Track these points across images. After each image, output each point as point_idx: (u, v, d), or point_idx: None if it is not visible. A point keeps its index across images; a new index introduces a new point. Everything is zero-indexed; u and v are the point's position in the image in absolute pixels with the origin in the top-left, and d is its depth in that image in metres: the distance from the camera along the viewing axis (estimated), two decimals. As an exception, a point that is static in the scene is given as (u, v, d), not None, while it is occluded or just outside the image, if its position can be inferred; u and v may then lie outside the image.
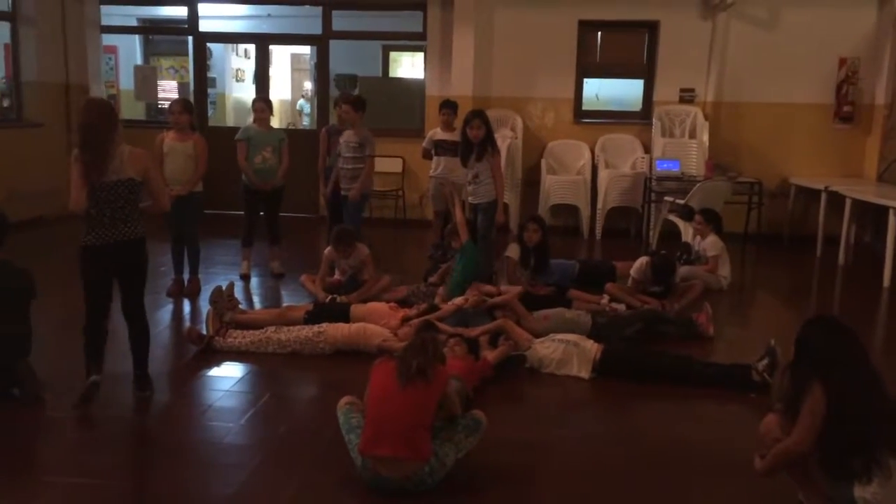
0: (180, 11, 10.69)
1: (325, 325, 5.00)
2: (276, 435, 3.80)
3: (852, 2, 9.20)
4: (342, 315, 5.27)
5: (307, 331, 4.96)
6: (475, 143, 6.29)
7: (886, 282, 7.10)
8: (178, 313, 5.96)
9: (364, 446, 3.15)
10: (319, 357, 4.88)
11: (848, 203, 7.88)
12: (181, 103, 6.32)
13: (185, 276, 6.41)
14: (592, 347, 4.68)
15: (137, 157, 4.10)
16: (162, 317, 5.84)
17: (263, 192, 6.82)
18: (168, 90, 12.70)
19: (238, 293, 5.98)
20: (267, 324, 5.16)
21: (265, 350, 4.90)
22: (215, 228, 8.26)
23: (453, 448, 3.25)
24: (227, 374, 4.64)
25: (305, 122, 14.27)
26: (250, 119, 7.32)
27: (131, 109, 12.28)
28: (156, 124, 10.58)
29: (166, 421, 4.06)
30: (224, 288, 5.38)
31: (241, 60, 13.86)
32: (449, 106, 7.36)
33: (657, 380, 4.55)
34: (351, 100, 6.96)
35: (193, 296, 6.26)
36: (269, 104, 7.11)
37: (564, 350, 4.65)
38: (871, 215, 8.48)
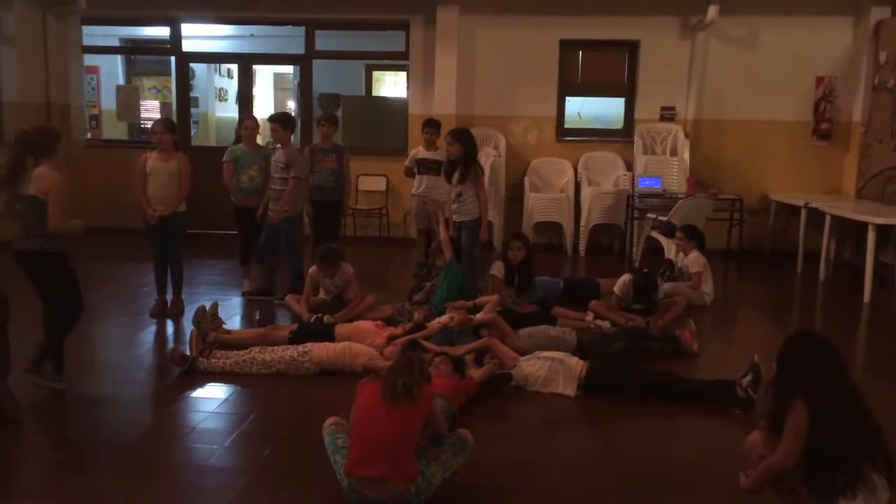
0: (163, 31, 10.69)
1: (309, 345, 4.98)
2: (261, 456, 3.77)
3: (828, 21, 9.36)
4: (327, 335, 5.25)
5: (292, 351, 4.94)
6: (457, 161, 6.33)
7: (867, 297, 7.18)
8: (161, 334, 5.91)
9: (350, 467, 3.13)
10: (304, 377, 4.85)
11: (827, 219, 7.97)
12: (163, 123, 6.32)
13: (169, 297, 6.36)
14: (577, 365, 4.69)
15: (42, 176, 4.36)
16: (145, 338, 5.79)
17: (249, 211, 6.83)
18: (150, 110, 12.67)
19: (238, 310, 5.97)
20: (251, 344, 5.13)
21: (249, 371, 4.86)
22: (199, 248, 8.23)
23: (440, 468, 3.23)
24: (212, 396, 4.60)
25: None
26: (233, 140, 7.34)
27: (113, 129, 12.24)
28: (138, 144, 10.55)
29: (150, 443, 4.01)
30: (207, 308, 5.35)
31: (224, 80, 13.85)
32: (432, 125, 7.39)
33: (642, 396, 4.56)
34: (278, 118, 6.82)
35: (177, 316, 6.21)
36: (258, 123, 7.14)
37: (550, 368, 4.66)
38: (851, 231, 8.58)
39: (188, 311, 6.27)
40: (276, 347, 5.03)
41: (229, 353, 4.99)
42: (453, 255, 6.31)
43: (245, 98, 11.12)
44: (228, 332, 5.43)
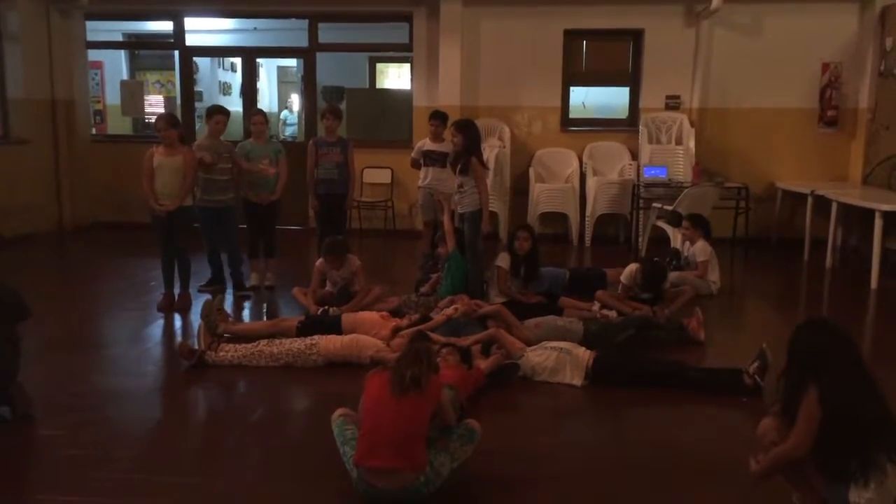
0: (166, 26, 10.69)
1: (317, 338, 4.99)
2: (270, 449, 3.79)
3: (834, 8, 9.31)
4: (334, 327, 5.27)
5: (300, 343, 4.95)
6: (460, 152, 6.34)
7: (874, 284, 7.16)
8: (168, 328, 5.93)
9: (359, 458, 3.15)
10: (312, 370, 4.87)
11: (834, 206, 7.95)
12: (166, 119, 6.33)
13: (176, 291, 6.38)
14: (585, 354, 4.70)
15: None
16: (152, 332, 5.82)
17: (260, 205, 6.88)
18: (154, 105, 12.68)
19: (247, 303, 5.98)
20: (259, 335, 5.15)
21: (258, 363, 4.88)
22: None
23: (448, 458, 3.25)
24: (220, 389, 4.62)
25: (288, 131, 14.22)
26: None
27: (118, 125, 12.26)
28: (143, 139, 10.57)
29: (158, 437, 4.03)
30: (214, 301, 5.37)
31: (228, 74, 13.85)
32: (438, 117, 7.38)
33: (649, 385, 4.56)
34: (225, 110, 7.01)
35: (184, 310, 6.23)
36: (266, 117, 7.17)
37: (557, 358, 4.66)
38: (857, 218, 8.55)
39: (195, 305, 6.29)
40: (283, 340, 5.04)
41: (237, 346, 5.01)
42: (456, 245, 6.31)
43: (249, 92, 11.13)
44: (236, 323, 5.45)
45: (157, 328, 5.90)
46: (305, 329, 5.19)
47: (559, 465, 3.66)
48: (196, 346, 5.00)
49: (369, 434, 3.16)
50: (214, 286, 6.78)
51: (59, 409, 4.21)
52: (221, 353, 4.93)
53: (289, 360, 4.88)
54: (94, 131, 11.14)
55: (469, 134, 6.33)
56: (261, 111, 7.35)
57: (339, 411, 3.51)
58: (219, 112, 6.88)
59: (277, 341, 5.03)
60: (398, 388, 3.14)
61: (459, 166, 6.35)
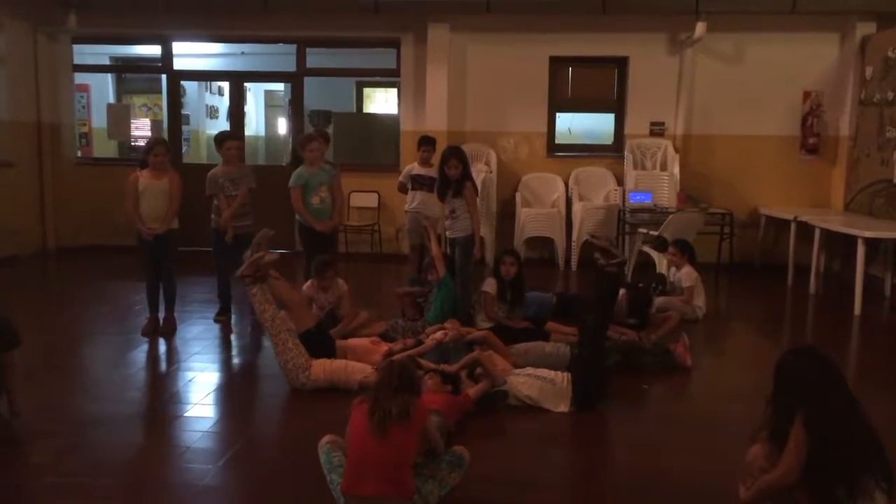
0: (154, 50, 10.71)
1: (312, 361, 4.95)
2: (256, 476, 3.75)
3: (815, 37, 9.47)
4: (330, 347, 5.21)
5: (302, 359, 4.90)
6: (452, 181, 6.35)
7: (857, 310, 7.22)
8: (153, 353, 5.88)
9: (346, 485, 3.12)
10: (298, 395, 4.83)
11: (817, 233, 8.02)
12: (165, 146, 6.30)
13: (161, 315, 6.33)
14: (564, 379, 4.67)
15: None
16: (136, 356, 5.76)
17: (319, 232, 6.58)
18: (141, 128, 12.66)
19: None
20: (287, 301, 5.19)
21: (270, 335, 4.95)
22: (190, 266, 8.18)
23: (436, 485, 3.23)
24: (205, 415, 4.57)
25: None
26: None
27: (104, 148, 12.22)
28: (129, 162, 10.53)
29: (143, 463, 3.98)
30: (270, 232, 5.40)
31: (215, 97, 13.87)
32: (428, 143, 7.42)
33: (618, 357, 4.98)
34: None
35: (169, 334, 6.18)
36: (324, 143, 6.99)
37: (541, 388, 4.63)
38: (840, 244, 8.63)
39: (181, 329, 6.25)
40: (297, 342, 4.99)
41: (277, 312, 5.04)
42: (447, 270, 6.32)
43: (236, 115, 11.14)
44: (278, 277, 5.37)
45: (141, 353, 5.84)
46: (309, 337, 5.11)
47: (547, 491, 3.64)
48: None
49: (356, 461, 3.13)
50: (226, 315, 6.68)
51: (42, 435, 4.15)
52: (264, 298, 4.98)
53: (287, 366, 4.86)
54: (79, 154, 11.11)
55: (466, 161, 6.41)
56: (317, 138, 6.91)
57: (325, 438, 3.49)
58: (229, 138, 6.68)
59: (295, 340, 5.00)
60: (379, 431, 3.08)
61: (452, 191, 6.37)
